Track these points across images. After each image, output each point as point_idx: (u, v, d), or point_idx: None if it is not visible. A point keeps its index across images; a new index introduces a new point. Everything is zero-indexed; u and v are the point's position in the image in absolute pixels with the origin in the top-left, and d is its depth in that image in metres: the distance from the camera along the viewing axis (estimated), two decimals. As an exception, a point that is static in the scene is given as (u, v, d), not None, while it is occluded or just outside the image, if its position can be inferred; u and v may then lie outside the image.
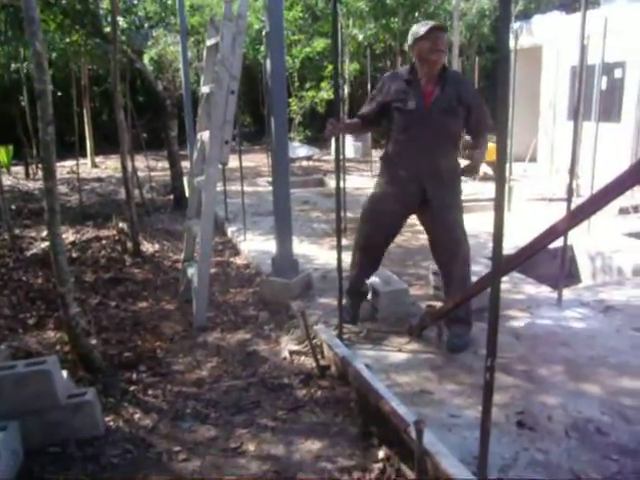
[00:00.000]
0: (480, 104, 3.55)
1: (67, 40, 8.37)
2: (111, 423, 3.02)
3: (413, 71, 3.53)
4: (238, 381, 3.45)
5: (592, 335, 3.80)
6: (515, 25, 12.36)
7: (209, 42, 4.26)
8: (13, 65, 12.67)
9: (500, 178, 1.94)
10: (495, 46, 14.41)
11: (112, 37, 5.85)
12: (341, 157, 3.64)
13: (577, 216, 2.06)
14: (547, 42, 11.54)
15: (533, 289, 4.73)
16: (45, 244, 6.69)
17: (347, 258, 5.35)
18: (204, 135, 4.10)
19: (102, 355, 3.70)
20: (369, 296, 4.15)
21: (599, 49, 7.02)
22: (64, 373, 2.95)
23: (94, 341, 3.96)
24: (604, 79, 9.83)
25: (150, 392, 3.36)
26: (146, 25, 16.63)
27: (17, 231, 6.96)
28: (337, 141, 3.59)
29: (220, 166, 4.05)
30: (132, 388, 3.39)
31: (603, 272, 5.78)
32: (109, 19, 8.89)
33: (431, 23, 3.41)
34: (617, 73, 10.36)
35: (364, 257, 3.87)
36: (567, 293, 4.55)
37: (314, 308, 4.29)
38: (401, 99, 3.48)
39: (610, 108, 10.16)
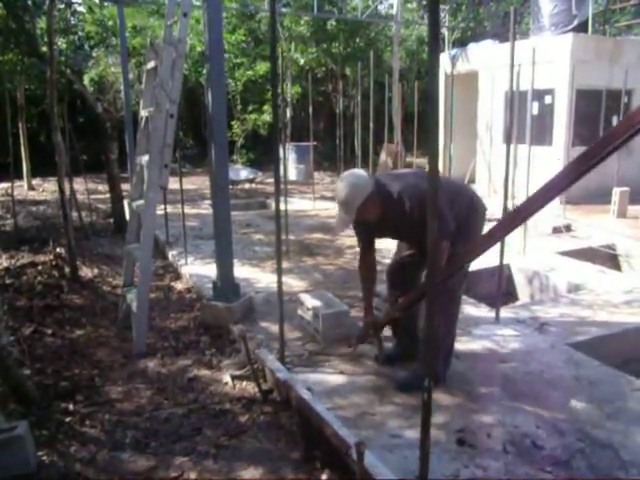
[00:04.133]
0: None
1: (0, 58, 8.11)
2: (45, 458, 2.89)
3: None
4: (179, 408, 3.38)
5: (528, 351, 3.92)
6: (452, 52, 12.82)
7: (148, 65, 4.24)
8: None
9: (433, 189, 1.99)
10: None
11: (49, 57, 5.73)
12: (282, 179, 3.64)
13: (515, 218, 2.11)
14: (482, 68, 12.00)
15: (473, 308, 4.85)
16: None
17: (289, 280, 5.38)
18: (143, 159, 4.06)
19: (36, 386, 3.56)
20: (309, 318, 4.16)
21: (530, 76, 7.34)
22: (-7, 407, 2.83)
23: (28, 371, 3.81)
24: (535, 104, 10.29)
25: (87, 423, 3.24)
26: (86, 46, 16.38)
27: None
28: (276, 164, 3.59)
29: (160, 190, 4.00)
30: (68, 419, 3.26)
31: (539, 290, 5.99)
32: (46, 39, 8.74)
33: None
34: (547, 99, 10.86)
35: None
36: (504, 311, 4.69)
37: (256, 332, 4.26)
38: None
39: (542, 132, 10.62)
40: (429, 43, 1.95)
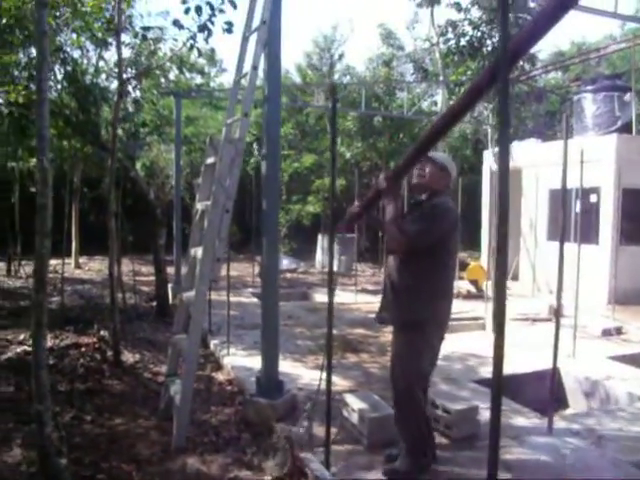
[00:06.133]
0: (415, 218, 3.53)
1: (66, 145, 8.58)
2: None
3: None
4: (218, 513, 3.25)
5: (587, 468, 3.68)
6: (496, 149, 13.01)
7: (207, 161, 4.40)
8: (9, 164, 12.90)
9: (500, 313, 1.94)
10: (476, 167, 15.06)
11: (111, 147, 6.03)
12: (322, 270, 3.65)
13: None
14: (526, 166, 12.12)
15: (521, 415, 4.64)
16: (21, 348, 6.49)
17: (336, 379, 5.26)
18: (197, 251, 4.13)
19: (73, 477, 3.49)
20: (354, 420, 4.04)
21: (574, 175, 7.35)
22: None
23: (64, 460, 3.75)
24: (579, 203, 10.27)
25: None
26: (141, 133, 17.23)
27: (-8, 332, 6.78)
28: (330, 259, 3.61)
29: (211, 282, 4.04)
30: (103, 517, 3.17)
31: (594, 399, 5.70)
32: (108, 128, 9.24)
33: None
34: (592, 198, 10.83)
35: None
36: (557, 420, 4.46)
37: (299, 432, 4.13)
38: None
39: (588, 230, 10.52)
40: (501, 133, 1.98)
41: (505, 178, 2.05)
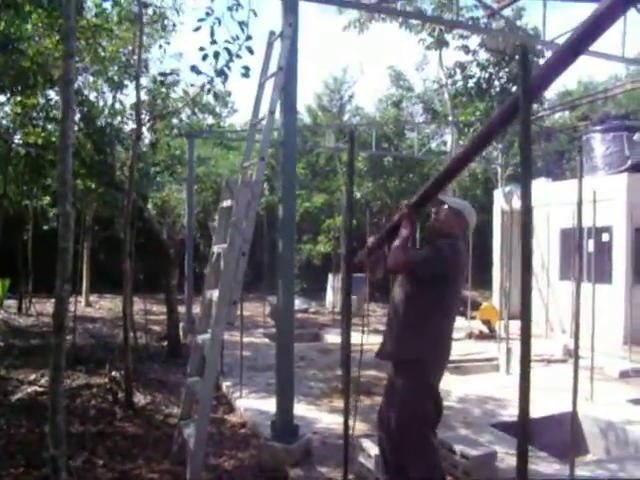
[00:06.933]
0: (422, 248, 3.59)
1: (80, 185, 8.70)
2: None
3: None
4: None
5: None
6: (506, 189, 13.07)
7: (224, 204, 4.44)
8: (23, 202, 13.08)
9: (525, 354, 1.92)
10: (486, 206, 15.08)
11: (127, 188, 6.11)
12: (338, 309, 3.65)
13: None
14: (537, 206, 12.11)
15: (541, 460, 4.53)
16: (32, 388, 6.47)
17: (351, 423, 5.17)
18: (213, 294, 4.13)
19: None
20: (370, 466, 3.96)
21: (586, 215, 7.34)
22: None
23: (77, 508, 3.69)
24: (591, 242, 10.24)
25: None
26: (152, 172, 17.50)
27: (3, 372, 6.75)
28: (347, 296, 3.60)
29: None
30: None
31: (616, 445, 5.57)
32: (122, 169, 9.38)
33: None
34: (604, 237, 10.79)
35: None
36: (578, 468, 4.34)
37: (314, 478, 4.06)
38: None
39: (601, 270, 10.44)
40: (523, 175, 2.01)
41: (528, 221, 2.05)
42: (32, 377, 6.92)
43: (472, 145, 3.05)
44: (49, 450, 3.30)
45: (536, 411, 5.93)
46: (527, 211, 2.04)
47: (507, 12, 11.59)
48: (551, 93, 22.41)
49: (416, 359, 3.41)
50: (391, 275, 3.85)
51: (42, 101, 8.05)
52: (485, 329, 11.13)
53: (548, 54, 14.32)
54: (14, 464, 4.35)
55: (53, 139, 8.14)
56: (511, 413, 5.68)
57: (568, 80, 26.69)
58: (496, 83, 14.85)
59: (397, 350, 3.52)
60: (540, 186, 12.47)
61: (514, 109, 2.44)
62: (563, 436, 4.88)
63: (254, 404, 5.81)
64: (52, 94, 8.25)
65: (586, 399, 6.19)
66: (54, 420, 3.11)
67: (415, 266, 3.43)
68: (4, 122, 8.67)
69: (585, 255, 10.09)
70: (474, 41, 15.12)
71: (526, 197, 1.96)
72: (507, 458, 4.41)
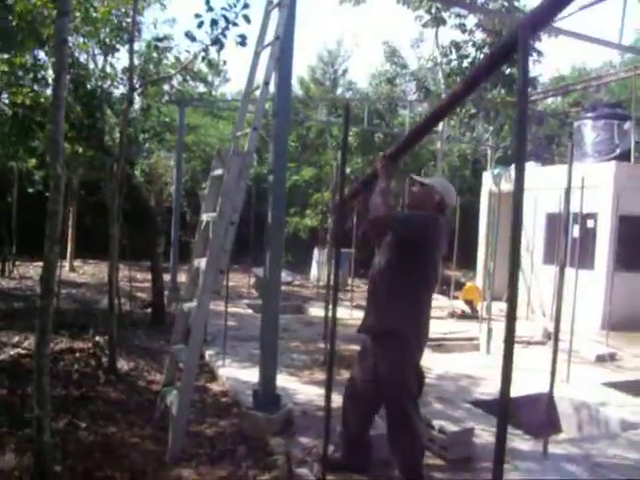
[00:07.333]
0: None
1: (68, 148, 8.58)
2: None
3: None
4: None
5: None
6: (495, 170, 13.12)
7: (214, 172, 4.41)
8: (8, 164, 12.89)
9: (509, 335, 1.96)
10: (475, 188, 15.15)
11: (118, 153, 6.05)
12: (323, 283, 3.68)
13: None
14: (525, 190, 12.19)
15: (516, 438, 4.64)
16: (15, 351, 6.46)
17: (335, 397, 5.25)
18: (200, 262, 4.14)
19: (67, 486, 3.46)
20: None
21: (573, 200, 7.42)
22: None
23: (59, 468, 3.72)
24: (576, 228, 10.35)
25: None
26: (141, 137, 17.32)
27: (-15, 333, 6.74)
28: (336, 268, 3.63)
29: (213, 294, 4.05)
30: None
31: (589, 425, 5.71)
32: (111, 133, 9.26)
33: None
34: (589, 223, 10.90)
35: None
36: (552, 446, 4.46)
37: (294, 447, 4.13)
38: None
39: (584, 256, 10.57)
40: (517, 159, 2.01)
41: (520, 205, 2.07)
42: (15, 340, 6.91)
43: (459, 89, 2.90)
44: (32, 411, 3.34)
45: (514, 391, 6.04)
46: (519, 192, 2.06)
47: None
48: (545, 78, 22.40)
49: (398, 331, 3.43)
50: (372, 242, 3.84)
51: (30, 61, 7.88)
52: (467, 309, 11.26)
53: (545, 37, 14.28)
54: (-3, 424, 4.37)
55: (42, 100, 7.99)
56: (489, 392, 5.80)
57: (562, 65, 26.68)
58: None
59: (379, 323, 3.54)
60: (529, 170, 12.53)
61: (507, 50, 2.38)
62: (538, 415, 4.99)
63: (236, 373, 5.87)
64: (41, 54, 8.08)
65: (562, 381, 6.32)
66: (40, 381, 3.13)
67: (396, 222, 3.46)
68: (-9, 81, 8.48)
69: (569, 240, 10.20)
70: (471, 21, 15.02)
71: (519, 179, 1.97)
72: (484, 434, 4.52)
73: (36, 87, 8.12)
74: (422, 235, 3.44)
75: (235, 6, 4.88)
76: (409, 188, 3.67)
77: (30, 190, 14.57)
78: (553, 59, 36.54)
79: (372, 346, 3.58)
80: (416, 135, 3.41)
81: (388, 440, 3.57)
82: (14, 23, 6.36)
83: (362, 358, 3.70)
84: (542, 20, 2.22)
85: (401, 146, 3.51)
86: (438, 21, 14.78)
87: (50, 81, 7.97)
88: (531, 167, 12.66)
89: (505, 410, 2.07)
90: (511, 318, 1.96)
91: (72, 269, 14.91)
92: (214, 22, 4.79)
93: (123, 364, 6.22)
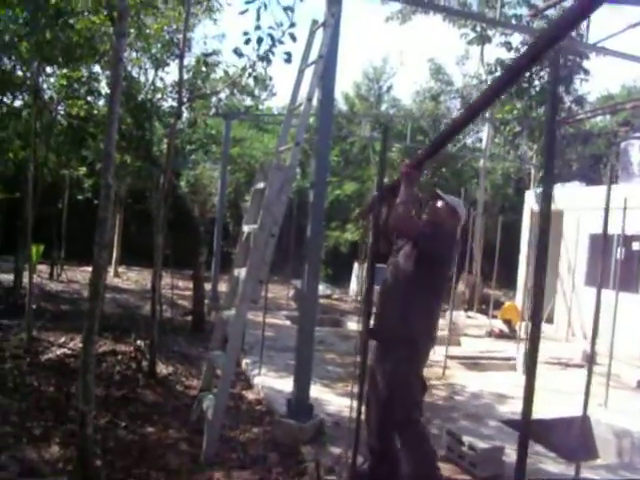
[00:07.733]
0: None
1: (117, 158, 8.92)
2: None
3: None
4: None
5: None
6: (538, 190, 12.97)
7: (257, 186, 4.57)
8: (61, 172, 13.41)
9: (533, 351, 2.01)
10: (517, 206, 15.00)
11: (164, 164, 6.28)
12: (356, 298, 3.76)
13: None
14: (568, 209, 12.02)
15: (549, 460, 4.60)
16: (61, 351, 6.72)
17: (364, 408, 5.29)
18: (240, 272, 4.28)
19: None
20: None
21: (617, 221, 7.31)
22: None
23: (99, 462, 3.88)
24: (620, 250, 10.13)
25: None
26: (187, 149, 17.78)
27: (35, 333, 7.02)
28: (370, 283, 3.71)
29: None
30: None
31: (628, 452, 5.57)
32: (159, 144, 9.57)
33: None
34: (635, 245, 10.67)
35: None
36: (586, 470, 4.40)
37: (324, 456, 4.20)
38: None
39: (629, 278, 10.34)
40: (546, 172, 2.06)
41: (547, 219, 2.12)
42: (62, 340, 7.18)
43: (489, 91, 2.95)
44: (77, 408, 3.51)
45: (548, 413, 5.99)
46: (546, 218, 2.11)
47: (551, 12, 11.40)
48: (593, 96, 22.03)
49: (409, 339, 3.52)
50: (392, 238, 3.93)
51: (86, 74, 8.27)
52: (505, 328, 11.13)
53: (592, 56, 14.12)
54: (44, 418, 4.57)
55: (95, 111, 8.37)
56: (517, 409, 5.74)
57: (612, 84, 26.16)
58: (536, 82, 14.67)
59: (391, 329, 3.62)
60: (573, 190, 12.36)
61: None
62: (573, 438, 4.93)
63: (272, 382, 5.98)
64: (97, 68, 8.47)
65: (599, 405, 6.21)
66: (85, 378, 3.30)
67: (422, 238, 3.55)
68: (49, 93, 8.90)
69: (613, 262, 10.00)
70: (517, 38, 14.94)
71: (546, 200, 2.03)
72: (514, 454, 4.48)
73: (90, 99, 8.50)
74: (444, 254, 3.60)
75: (282, 24, 5.05)
76: (432, 202, 3.74)
77: (79, 197, 15.13)
78: (603, 78, 35.87)
79: (380, 353, 3.68)
80: (440, 143, 3.49)
81: (397, 445, 3.63)
82: (75, 39, 6.70)
83: (375, 369, 3.76)
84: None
85: (425, 154, 3.59)
86: (483, 39, 14.78)
87: (103, 93, 8.35)
88: (575, 187, 12.49)
89: (527, 429, 2.11)
90: (535, 338, 2.01)
91: (116, 275, 15.33)
92: (260, 40, 4.97)
93: (162, 368, 6.41)
